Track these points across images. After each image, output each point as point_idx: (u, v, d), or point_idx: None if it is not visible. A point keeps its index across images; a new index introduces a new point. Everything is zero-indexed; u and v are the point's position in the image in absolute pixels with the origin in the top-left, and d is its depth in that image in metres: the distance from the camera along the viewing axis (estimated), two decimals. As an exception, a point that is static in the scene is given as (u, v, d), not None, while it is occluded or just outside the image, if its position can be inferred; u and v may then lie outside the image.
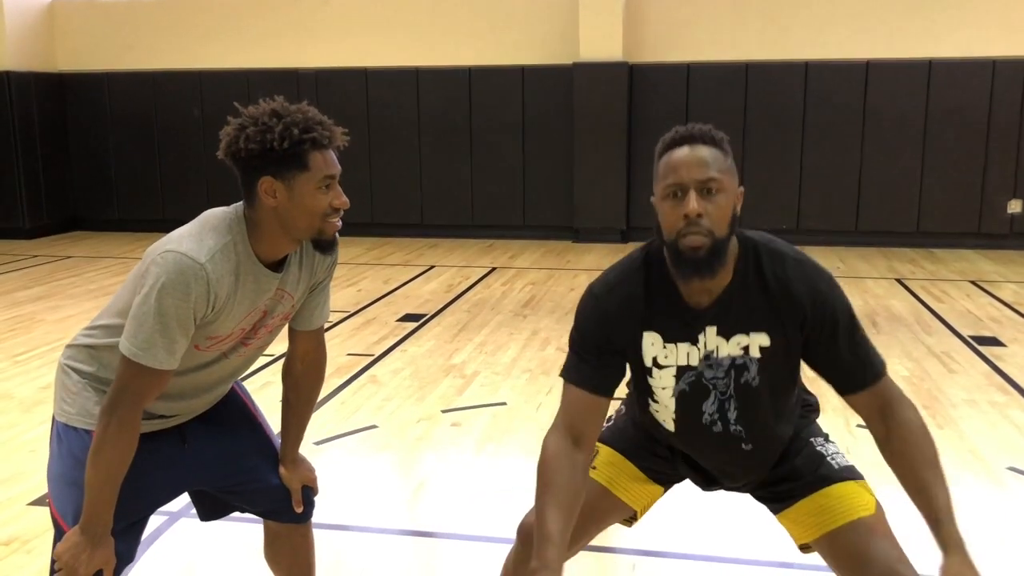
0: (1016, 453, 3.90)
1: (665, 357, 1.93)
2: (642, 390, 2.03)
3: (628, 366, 2.01)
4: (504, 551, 2.21)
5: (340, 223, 1.94)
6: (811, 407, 2.20)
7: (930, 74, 9.22)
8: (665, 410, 2.01)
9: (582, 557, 2.99)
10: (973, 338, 5.82)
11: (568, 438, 1.87)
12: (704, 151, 1.81)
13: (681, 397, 1.97)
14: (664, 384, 1.96)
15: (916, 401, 4.78)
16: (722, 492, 2.23)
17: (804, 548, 2.10)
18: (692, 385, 1.95)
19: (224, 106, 9.20)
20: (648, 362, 1.94)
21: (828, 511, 1.99)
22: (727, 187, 1.81)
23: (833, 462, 2.08)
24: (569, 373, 1.93)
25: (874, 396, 1.89)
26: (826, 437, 2.16)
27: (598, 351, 1.92)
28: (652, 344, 1.92)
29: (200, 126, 10.55)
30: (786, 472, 2.07)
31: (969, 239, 9.40)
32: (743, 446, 2.00)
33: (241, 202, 1.95)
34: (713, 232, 1.78)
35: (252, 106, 1.89)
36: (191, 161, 10.63)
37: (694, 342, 1.91)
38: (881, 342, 5.68)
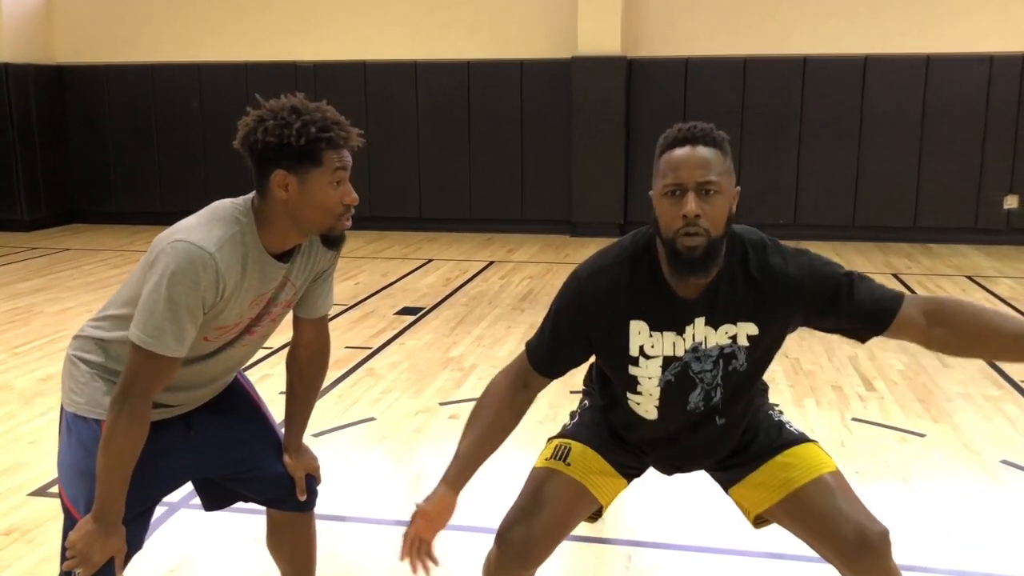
0: (1010, 446, 3.93)
1: (652, 347, 1.97)
2: (622, 382, 2.05)
3: (601, 359, 2.07)
4: (476, 542, 2.22)
5: (350, 222, 1.97)
6: (763, 390, 2.25)
7: (928, 69, 9.23)
8: (648, 399, 2.04)
9: (578, 548, 3.02)
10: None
11: (519, 381, 2.07)
12: (705, 152, 1.84)
13: (667, 387, 2.01)
14: (650, 374, 1.99)
15: (911, 395, 4.82)
16: (716, 484, 2.25)
17: (759, 521, 2.13)
18: (678, 376, 1.99)
19: (222, 99, 9.20)
20: (634, 351, 1.97)
21: (793, 468, 2.04)
22: (725, 189, 1.86)
23: (792, 428, 2.15)
24: (530, 345, 2.08)
25: (916, 312, 1.90)
26: (780, 411, 2.23)
27: (566, 334, 2.01)
28: (639, 333, 1.96)
29: (198, 119, 10.56)
30: (748, 440, 2.12)
31: (965, 234, 9.42)
32: (716, 419, 2.05)
33: (250, 194, 1.98)
34: (709, 232, 1.83)
35: (273, 100, 1.92)
36: (189, 154, 10.64)
37: (680, 332, 1.95)
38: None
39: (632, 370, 2.00)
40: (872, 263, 8.28)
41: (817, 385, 4.75)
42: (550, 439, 2.26)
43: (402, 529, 3.37)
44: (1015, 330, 1.85)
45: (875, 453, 3.85)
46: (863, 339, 1.98)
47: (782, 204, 9.56)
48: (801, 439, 2.11)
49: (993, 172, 9.27)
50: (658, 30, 9.81)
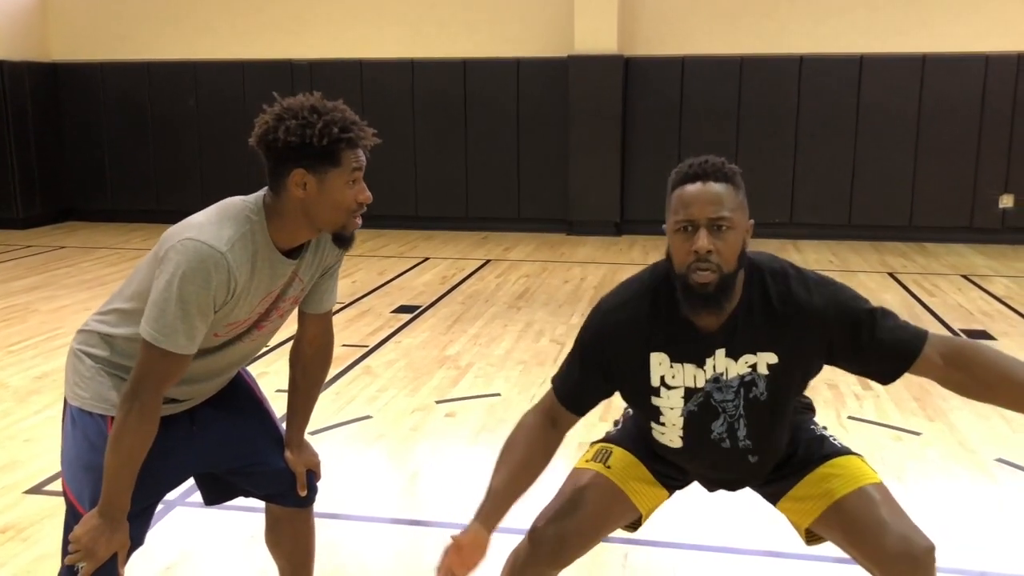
0: (1004, 445, 3.94)
1: (673, 377, 1.96)
2: (646, 413, 2.05)
3: (623, 391, 2.06)
4: (496, 541, 2.22)
5: (361, 220, 1.99)
6: (808, 407, 2.24)
7: (924, 69, 9.24)
8: (672, 429, 2.03)
9: (575, 546, 3.02)
10: (964, 332, 5.85)
11: (548, 419, 2.03)
12: (716, 188, 1.84)
13: (690, 417, 2.00)
14: (672, 404, 1.99)
15: (907, 393, 4.82)
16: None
17: (810, 537, 2.11)
18: (701, 406, 1.98)
19: (218, 97, 9.17)
20: (656, 382, 1.97)
21: (835, 478, 2.02)
22: (737, 224, 1.85)
23: (834, 441, 2.14)
24: (557, 381, 2.06)
25: (935, 353, 1.92)
26: (824, 427, 2.21)
27: (592, 366, 2.00)
28: (660, 364, 1.96)
29: (194, 117, 10.54)
30: (789, 454, 2.11)
31: (961, 233, 9.44)
32: (750, 458, 2.04)
33: (260, 192, 1.99)
34: (722, 268, 1.82)
35: (290, 98, 1.93)
36: (185, 152, 10.62)
37: (701, 364, 1.94)
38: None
39: (654, 400, 2.00)
40: (868, 262, 8.29)
41: (813, 383, 4.74)
42: (593, 442, 2.26)
43: (399, 527, 3.39)
44: None
45: (871, 452, 3.85)
46: (885, 380, 1.97)
47: (778, 203, 9.56)
48: (844, 451, 2.10)
49: (988, 171, 9.28)
50: (655, 29, 9.81)
